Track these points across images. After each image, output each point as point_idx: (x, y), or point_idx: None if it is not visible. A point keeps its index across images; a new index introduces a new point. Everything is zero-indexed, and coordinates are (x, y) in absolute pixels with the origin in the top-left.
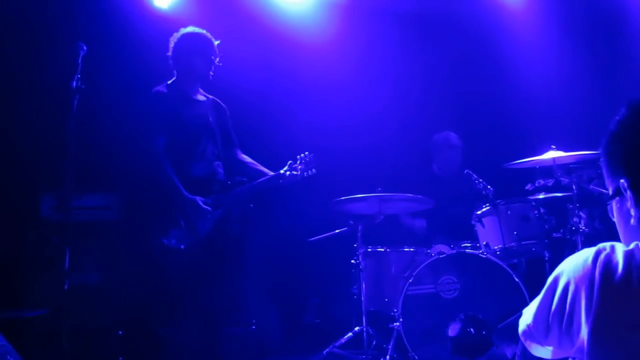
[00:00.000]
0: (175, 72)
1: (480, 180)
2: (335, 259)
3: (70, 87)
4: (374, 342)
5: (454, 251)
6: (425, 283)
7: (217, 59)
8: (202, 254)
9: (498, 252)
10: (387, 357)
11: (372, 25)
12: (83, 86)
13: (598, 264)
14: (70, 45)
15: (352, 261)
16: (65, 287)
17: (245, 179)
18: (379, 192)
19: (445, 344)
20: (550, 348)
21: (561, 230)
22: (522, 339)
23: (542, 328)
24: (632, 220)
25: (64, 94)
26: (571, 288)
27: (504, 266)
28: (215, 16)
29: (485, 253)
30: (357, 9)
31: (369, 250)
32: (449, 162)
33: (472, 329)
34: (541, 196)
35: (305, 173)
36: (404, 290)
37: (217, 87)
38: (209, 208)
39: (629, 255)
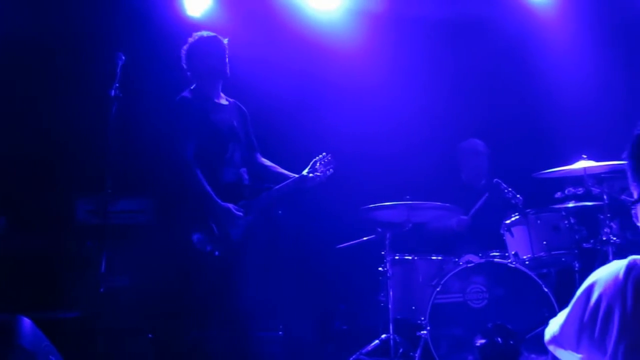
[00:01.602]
0: (194, 79)
1: (510, 189)
2: (364, 266)
3: (109, 95)
4: (401, 350)
5: (483, 260)
6: (454, 292)
7: (227, 57)
8: (235, 259)
9: (527, 262)
10: None
11: (402, 33)
12: (121, 95)
13: (630, 280)
14: (109, 54)
15: (380, 269)
16: (101, 290)
17: (269, 183)
18: (407, 200)
19: (473, 353)
20: (580, 356)
21: (592, 241)
22: (548, 346)
23: (573, 338)
24: None
25: (103, 101)
26: (603, 303)
27: (533, 276)
28: (246, 23)
29: (514, 262)
30: (387, 17)
31: (397, 258)
32: (476, 170)
33: (500, 339)
34: (571, 205)
35: (325, 174)
36: (432, 299)
37: (247, 93)
38: (241, 214)
39: None
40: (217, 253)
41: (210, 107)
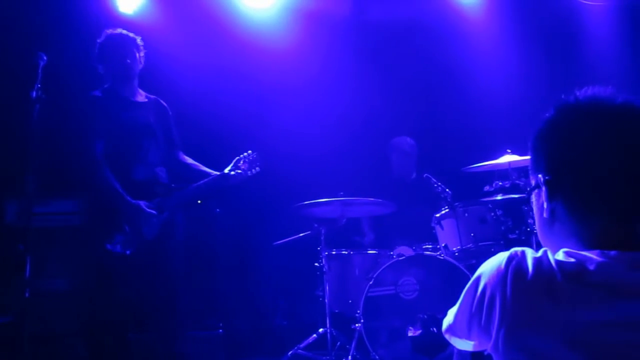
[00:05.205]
0: (107, 77)
1: (439, 183)
2: (302, 262)
3: (29, 96)
4: (339, 343)
5: (413, 253)
6: (386, 284)
7: (142, 53)
8: (151, 258)
9: (456, 254)
10: (349, 357)
11: (334, 32)
12: (43, 96)
13: (510, 271)
14: (34, 54)
15: (316, 264)
16: (27, 294)
17: (188, 181)
18: (341, 196)
19: (406, 344)
20: (472, 342)
21: (517, 232)
22: (445, 335)
23: (464, 326)
24: (544, 213)
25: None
26: (488, 292)
27: (461, 267)
28: (179, 21)
29: (442, 254)
30: (319, 16)
31: (333, 253)
32: (404, 166)
33: (435, 329)
34: (499, 197)
35: (249, 172)
36: (365, 292)
37: (179, 90)
38: (154, 212)
39: (537, 263)
40: (128, 252)
41: (123, 105)
